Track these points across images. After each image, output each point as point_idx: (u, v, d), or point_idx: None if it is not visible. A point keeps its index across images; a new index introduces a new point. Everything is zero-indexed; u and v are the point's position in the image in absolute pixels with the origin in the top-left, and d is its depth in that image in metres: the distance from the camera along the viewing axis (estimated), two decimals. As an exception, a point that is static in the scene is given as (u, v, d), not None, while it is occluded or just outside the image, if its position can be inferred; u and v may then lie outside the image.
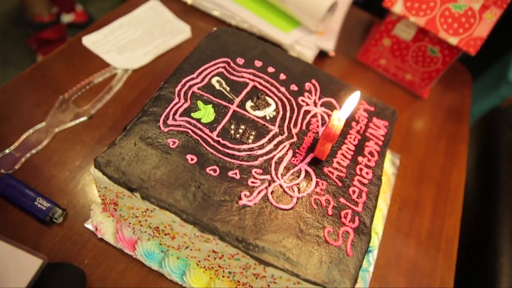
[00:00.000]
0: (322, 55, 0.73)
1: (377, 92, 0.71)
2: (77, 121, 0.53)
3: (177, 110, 0.42)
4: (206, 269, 0.41)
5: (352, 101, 0.37)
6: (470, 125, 1.12)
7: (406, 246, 0.52)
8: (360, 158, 0.42)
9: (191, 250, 0.38)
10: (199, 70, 0.46)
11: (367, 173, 0.42)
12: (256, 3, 0.73)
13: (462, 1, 0.63)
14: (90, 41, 0.62)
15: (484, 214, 0.84)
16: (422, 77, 0.72)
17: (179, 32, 0.68)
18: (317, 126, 0.44)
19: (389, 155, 0.59)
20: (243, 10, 0.71)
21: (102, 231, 0.43)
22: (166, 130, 0.39)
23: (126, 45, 0.63)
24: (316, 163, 0.40)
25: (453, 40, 0.64)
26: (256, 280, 0.37)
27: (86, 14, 1.48)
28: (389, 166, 0.58)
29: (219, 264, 0.38)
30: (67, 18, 1.43)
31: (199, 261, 0.40)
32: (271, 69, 0.48)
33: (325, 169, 0.40)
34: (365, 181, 0.41)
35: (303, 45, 0.69)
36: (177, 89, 0.43)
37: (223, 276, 0.40)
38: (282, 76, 0.48)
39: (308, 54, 0.68)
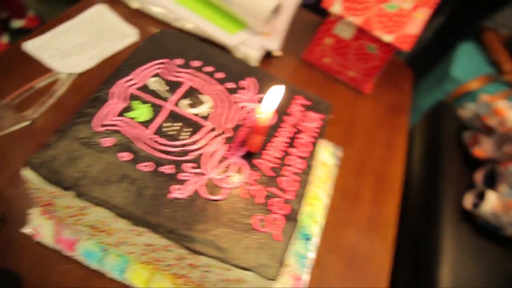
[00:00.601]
0: (270, 55, 0.75)
1: (322, 89, 0.74)
2: (19, 126, 0.53)
3: (113, 110, 0.42)
4: (145, 264, 0.42)
5: (273, 94, 0.39)
6: (419, 118, 1.18)
7: (347, 233, 0.55)
8: (293, 150, 0.45)
9: (129, 245, 0.39)
10: (137, 71, 0.47)
11: (300, 163, 0.44)
12: (203, 6, 0.74)
13: (394, 1, 0.67)
14: (33, 46, 0.62)
15: (430, 201, 0.89)
16: (364, 73, 0.76)
17: (125, 36, 0.69)
18: (252, 121, 0.46)
19: (331, 148, 0.62)
20: (190, 13, 0.72)
21: (41, 234, 0.43)
22: (100, 130, 0.40)
23: (71, 49, 0.63)
24: (249, 156, 0.42)
25: (388, 38, 0.68)
26: (193, 271, 0.38)
27: (39, 20, 1.45)
28: (331, 158, 0.60)
29: (156, 258, 0.39)
30: (17, 23, 1.40)
31: (137, 257, 0.41)
32: (209, 69, 0.50)
33: (258, 161, 0.42)
34: (298, 171, 0.43)
35: (249, 46, 0.71)
36: (114, 90, 0.44)
37: (162, 270, 0.41)
38: (220, 75, 0.50)
39: (254, 55, 0.70)
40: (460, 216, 0.85)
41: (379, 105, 0.77)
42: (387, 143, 0.70)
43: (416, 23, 0.68)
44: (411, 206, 0.98)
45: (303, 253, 0.48)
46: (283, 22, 0.79)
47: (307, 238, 0.50)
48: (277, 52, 0.74)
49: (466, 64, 1.30)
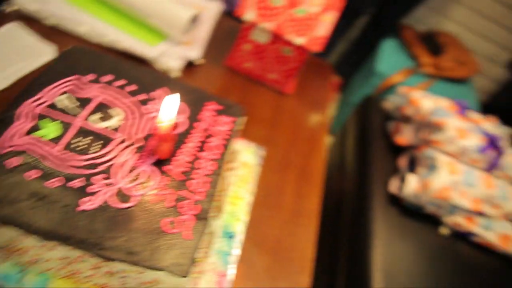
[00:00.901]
0: (192, 64, 0.77)
1: (245, 93, 0.78)
2: None
3: (20, 131, 0.43)
4: (66, 279, 0.42)
5: (168, 102, 0.41)
6: (352, 112, 1.25)
7: (271, 227, 0.58)
8: (204, 153, 0.47)
9: (45, 262, 0.40)
10: (45, 90, 0.48)
11: (211, 165, 0.46)
12: (123, 20, 0.75)
13: (302, 6, 0.72)
14: None
15: (361, 189, 0.96)
16: (284, 75, 0.80)
17: (42, 54, 0.68)
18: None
19: (253, 148, 0.65)
20: (109, 28, 0.73)
21: (-47, 262, 0.42)
22: (5, 151, 0.40)
23: (-18, 72, 0.62)
24: (159, 163, 0.44)
25: (299, 41, 0.73)
26: (111, 278, 0.40)
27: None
28: (253, 158, 0.64)
29: (74, 270, 0.40)
30: None
31: (56, 272, 0.41)
32: (121, 82, 0.51)
33: (168, 167, 0.44)
34: (208, 172, 0.46)
35: (169, 57, 0.73)
36: (21, 110, 0.45)
37: (83, 282, 0.42)
38: (132, 87, 0.51)
39: (175, 65, 0.72)
40: (388, 201, 0.91)
41: (301, 104, 0.82)
42: (308, 139, 0.75)
43: (324, 26, 0.73)
44: (346, 196, 1.04)
45: (227, 250, 0.51)
46: (204, 31, 0.82)
47: (231, 236, 0.53)
48: (199, 61, 0.77)
49: (389, 59, 1.41)
